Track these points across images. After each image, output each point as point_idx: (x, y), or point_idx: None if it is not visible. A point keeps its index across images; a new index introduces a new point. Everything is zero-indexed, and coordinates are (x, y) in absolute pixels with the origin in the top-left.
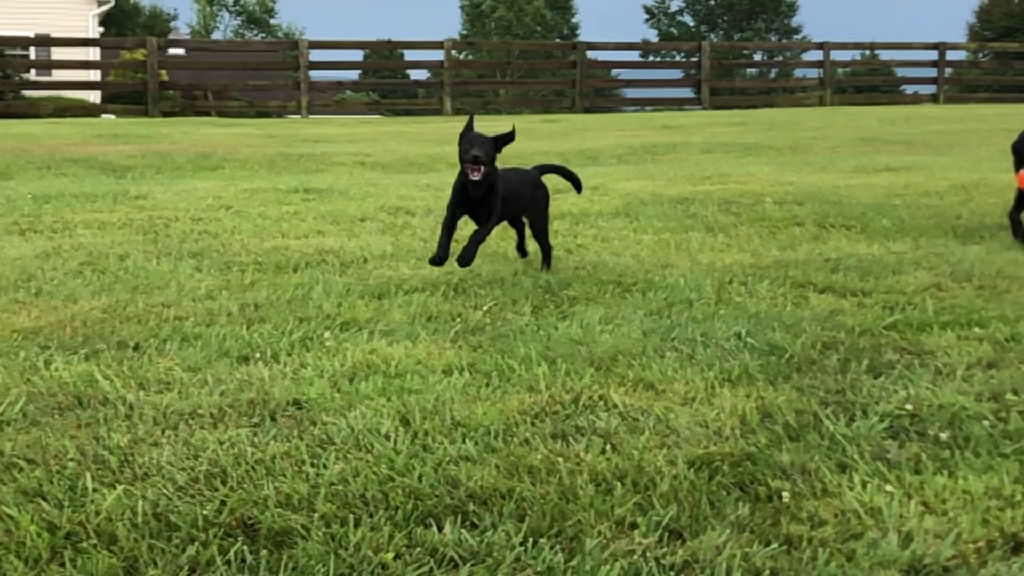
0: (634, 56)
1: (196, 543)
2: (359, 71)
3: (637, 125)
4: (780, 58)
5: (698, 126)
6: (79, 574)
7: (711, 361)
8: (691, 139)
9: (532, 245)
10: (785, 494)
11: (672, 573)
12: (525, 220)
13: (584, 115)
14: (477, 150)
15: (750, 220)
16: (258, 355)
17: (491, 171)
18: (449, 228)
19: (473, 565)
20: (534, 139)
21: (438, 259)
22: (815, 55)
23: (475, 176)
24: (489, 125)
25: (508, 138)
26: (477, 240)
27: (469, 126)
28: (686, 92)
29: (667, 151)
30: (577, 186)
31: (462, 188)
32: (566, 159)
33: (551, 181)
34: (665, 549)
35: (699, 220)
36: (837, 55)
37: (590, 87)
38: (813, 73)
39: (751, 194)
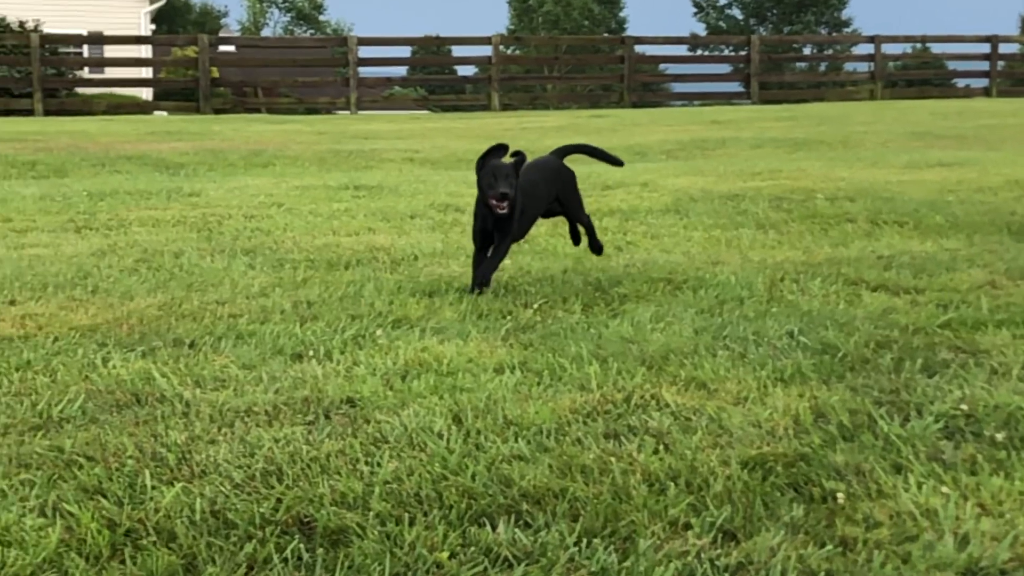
0: (682, 50)
1: (253, 541)
2: (407, 67)
3: (686, 120)
4: (830, 52)
5: (747, 121)
6: (139, 571)
7: (763, 360)
8: (740, 134)
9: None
10: (840, 495)
11: (726, 574)
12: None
13: (632, 110)
14: (504, 185)
15: (801, 217)
16: (311, 353)
17: (515, 201)
18: (480, 261)
19: (527, 565)
20: (582, 134)
21: (477, 286)
22: (865, 48)
23: (502, 211)
24: (537, 120)
25: (523, 161)
26: (494, 264)
27: (490, 153)
28: (735, 86)
29: (716, 146)
30: (610, 161)
31: (483, 219)
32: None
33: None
34: (719, 550)
35: (750, 217)
36: (888, 48)
37: (638, 82)
38: (863, 67)
39: (802, 190)
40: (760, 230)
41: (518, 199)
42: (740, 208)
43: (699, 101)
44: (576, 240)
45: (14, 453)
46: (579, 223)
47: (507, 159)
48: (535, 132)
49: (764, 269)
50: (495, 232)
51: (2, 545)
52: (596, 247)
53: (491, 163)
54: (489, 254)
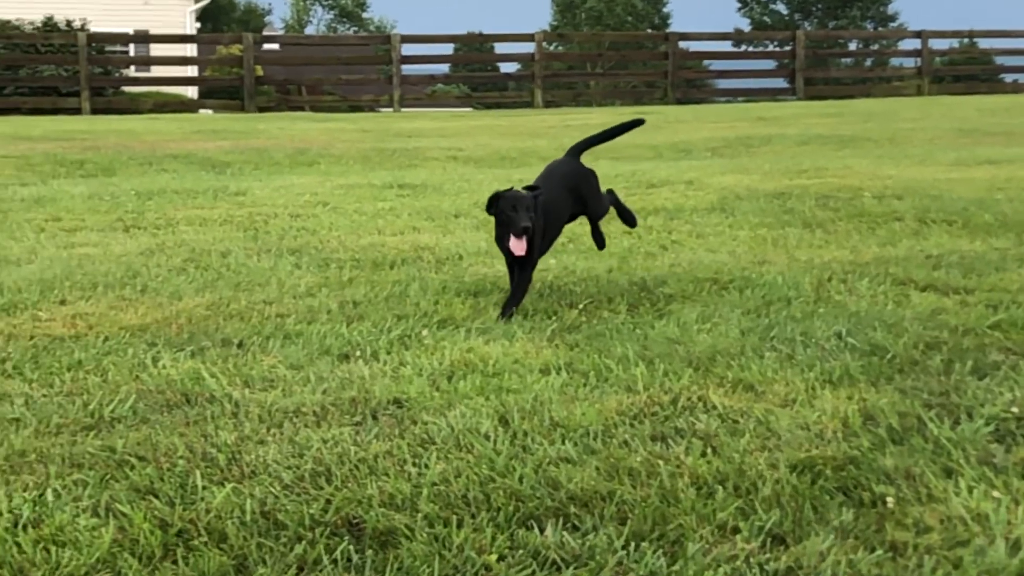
0: (727, 46)
1: (303, 542)
2: (450, 65)
3: (731, 116)
4: (876, 47)
5: (793, 117)
6: (191, 572)
7: (811, 362)
8: (786, 131)
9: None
10: (889, 499)
11: None
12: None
13: (676, 106)
14: (526, 219)
15: (848, 215)
16: (358, 353)
17: (534, 236)
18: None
19: (576, 568)
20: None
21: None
22: (912, 43)
23: (520, 252)
24: (581, 117)
25: (539, 195)
26: (517, 298)
27: (515, 193)
28: (780, 82)
29: (762, 143)
30: (627, 128)
31: (506, 249)
32: (659, 152)
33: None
34: (768, 555)
35: (796, 215)
36: (935, 43)
37: (682, 78)
38: (910, 62)
39: (849, 188)
40: (807, 229)
41: (537, 233)
42: (786, 207)
43: (743, 97)
44: (601, 244)
45: (67, 453)
46: (598, 218)
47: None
48: (578, 130)
49: (811, 269)
50: (516, 264)
51: (56, 545)
52: (629, 219)
53: (509, 193)
54: (512, 284)
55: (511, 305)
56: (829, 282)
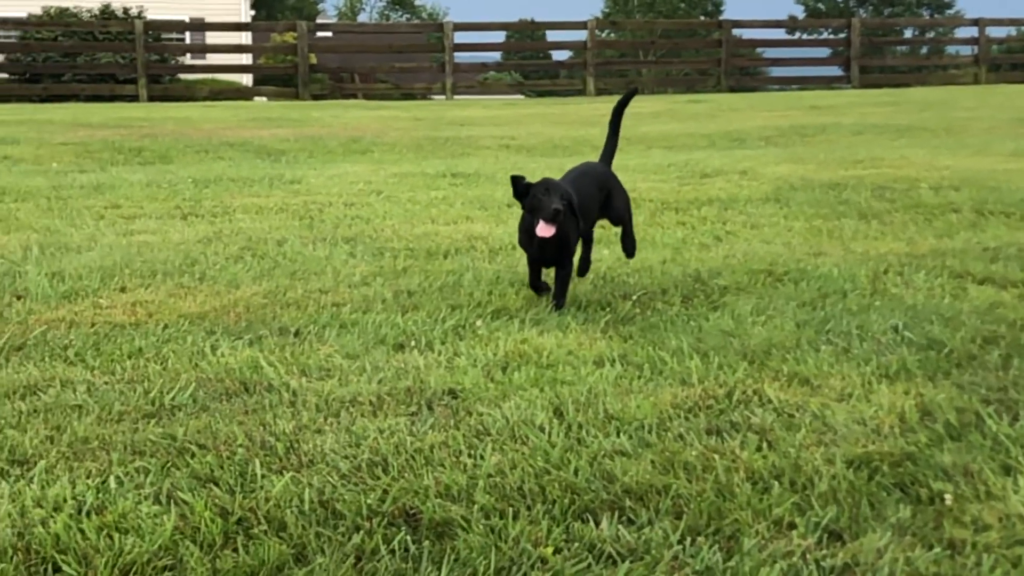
0: (781, 34)
1: (361, 532)
2: (502, 52)
3: (785, 105)
4: (932, 35)
5: (848, 106)
6: (252, 560)
7: (868, 356)
8: (841, 120)
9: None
10: (947, 496)
11: None
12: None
13: (729, 95)
14: (558, 201)
15: (905, 207)
16: (413, 343)
17: (561, 228)
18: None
19: (631, 562)
20: (678, 120)
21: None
22: (969, 31)
23: (547, 233)
24: (633, 106)
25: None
26: (563, 291)
27: (542, 183)
28: (834, 70)
29: (816, 132)
30: (627, 98)
31: (539, 247)
32: (712, 141)
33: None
34: (825, 551)
35: (852, 206)
36: (992, 31)
37: (735, 66)
38: (967, 50)
39: (905, 179)
40: (862, 220)
41: (572, 229)
42: (842, 197)
43: (797, 85)
44: (585, 269)
45: (129, 440)
46: (628, 233)
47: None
48: (631, 118)
49: (867, 261)
50: (551, 261)
51: (119, 532)
52: (630, 246)
53: (543, 180)
54: (556, 284)
55: (559, 298)
56: (885, 274)
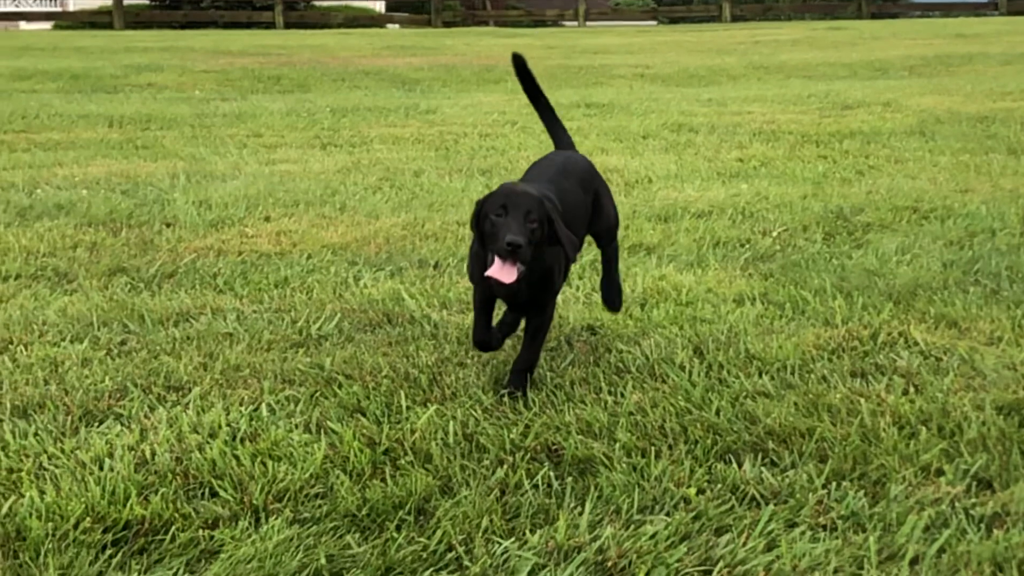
0: None
1: (504, 466)
2: None
3: (928, 33)
4: None
5: (995, 35)
6: (400, 491)
7: (1018, 298)
8: (988, 49)
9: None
10: None
11: (982, 525)
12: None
13: (871, 21)
14: (516, 233)
15: None
16: None
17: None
18: (484, 329)
19: (775, 504)
20: (819, 48)
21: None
22: None
23: (506, 278)
24: (771, 33)
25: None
26: (534, 355)
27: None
28: None
29: (962, 62)
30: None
31: (488, 285)
32: (854, 71)
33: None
34: (974, 499)
35: (1000, 141)
36: None
37: None
38: None
39: None
40: (1012, 156)
41: (555, 260)
42: (990, 131)
43: (941, 12)
44: (616, 296)
45: (279, 369)
46: (608, 253)
47: (518, 184)
48: (768, 46)
49: (1017, 199)
50: (525, 303)
51: (272, 459)
52: (615, 294)
53: (502, 188)
54: (525, 337)
55: (522, 371)
56: None
